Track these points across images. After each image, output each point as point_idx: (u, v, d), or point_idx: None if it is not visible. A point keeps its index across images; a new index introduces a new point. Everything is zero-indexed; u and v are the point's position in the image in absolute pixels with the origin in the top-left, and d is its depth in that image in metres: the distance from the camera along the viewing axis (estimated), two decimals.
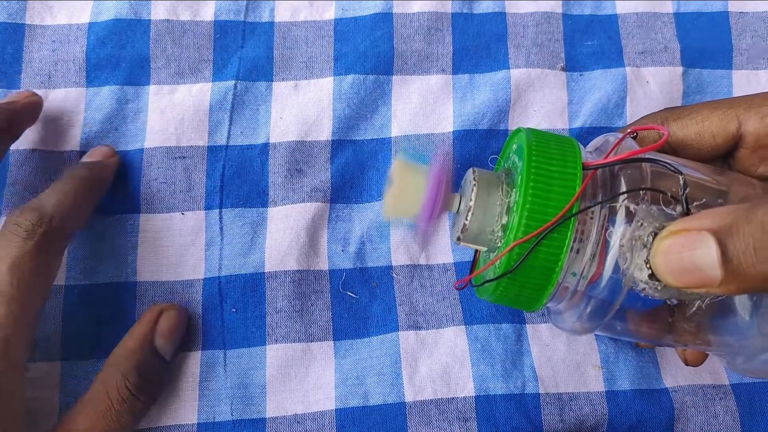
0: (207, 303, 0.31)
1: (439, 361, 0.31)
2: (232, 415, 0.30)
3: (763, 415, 0.31)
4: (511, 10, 0.37)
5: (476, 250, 0.28)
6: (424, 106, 0.35)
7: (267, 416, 0.30)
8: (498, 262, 0.23)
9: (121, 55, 0.35)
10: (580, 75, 0.36)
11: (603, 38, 0.37)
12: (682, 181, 0.20)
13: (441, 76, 0.36)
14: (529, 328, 0.32)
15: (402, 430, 0.30)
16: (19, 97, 0.32)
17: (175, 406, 0.30)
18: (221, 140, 0.34)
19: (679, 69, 0.36)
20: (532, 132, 0.24)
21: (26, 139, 0.34)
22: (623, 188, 0.22)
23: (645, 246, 0.20)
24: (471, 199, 0.23)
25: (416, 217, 0.24)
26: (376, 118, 0.35)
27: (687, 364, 0.29)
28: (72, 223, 0.28)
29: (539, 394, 0.30)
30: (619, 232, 0.21)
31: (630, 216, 0.21)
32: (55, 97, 0.34)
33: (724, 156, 0.27)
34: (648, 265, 0.20)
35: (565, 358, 0.31)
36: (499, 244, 0.23)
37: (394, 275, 0.32)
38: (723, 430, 0.30)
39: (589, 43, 0.37)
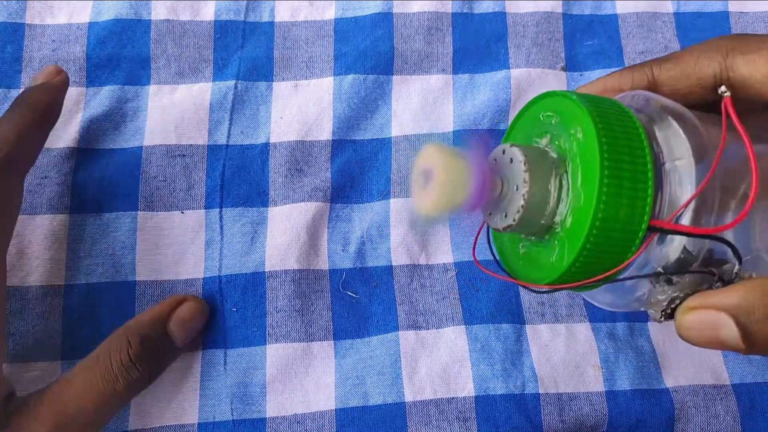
0: (207, 302, 0.31)
1: (439, 361, 0.31)
2: (232, 415, 0.30)
3: (764, 416, 0.31)
4: (511, 9, 0.37)
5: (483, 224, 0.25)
6: (425, 105, 0.35)
7: (267, 416, 0.30)
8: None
9: (122, 54, 0.35)
10: (581, 75, 0.36)
11: (603, 38, 0.37)
12: (737, 269, 0.20)
13: (441, 76, 0.36)
14: (529, 328, 0.32)
15: (402, 430, 0.30)
16: (49, 76, 0.31)
17: (175, 406, 0.30)
18: (221, 139, 0.34)
19: None
20: (598, 114, 0.19)
21: None
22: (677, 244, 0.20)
23: (665, 300, 0.20)
24: (525, 183, 0.20)
25: (461, 208, 0.21)
26: (377, 117, 0.35)
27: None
28: (25, 152, 0.28)
29: (539, 394, 0.30)
30: (658, 296, 0.20)
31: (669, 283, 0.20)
32: None
33: None
34: (662, 313, 0.20)
35: (565, 358, 0.31)
36: (550, 235, 0.21)
37: (395, 275, 0.32)
38: (723, 430, 0.30)
39: (590, 43, 0.37)
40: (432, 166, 0.20)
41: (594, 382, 0.31)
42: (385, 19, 0.36)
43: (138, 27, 0.36)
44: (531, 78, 0.35)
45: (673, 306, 0.20)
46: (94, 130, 0.34)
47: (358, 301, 0.32)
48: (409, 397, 0.30)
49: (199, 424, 0.30)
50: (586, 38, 0.37)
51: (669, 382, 0.31)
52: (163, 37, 0.36)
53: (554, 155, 0.21)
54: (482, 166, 0.20)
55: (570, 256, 0.19)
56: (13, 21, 0.36)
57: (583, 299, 0.32)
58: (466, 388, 0.30)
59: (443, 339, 0.31)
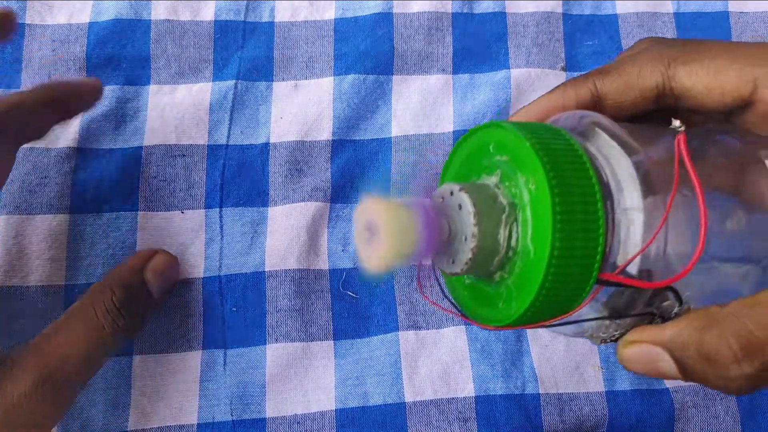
0: (207, 302, 0.31)
1: (439, 361, 0.31)
2: (232, 415, 0.30)
3: (764, 416, 0.31)
4: (511, 9, 0.37)
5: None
6: (425, 105, 0.35)
7: (267, 416, 0.30)
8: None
9: (122, 54, 0.35)
10: (581, 75, 0.36)
11: (603, 38, 0.37)
12: (675, 311, 0.20)
13: (441, 76, 0.36)
14: (529, 328, 0.32)
15: (402, 430, 0.30)
16: (80, 79, 0.31)
17: (175, 406, 0.30)
18: (221, 139, 0.34)
19: None
20: (555, 180, 0.18)
21: None
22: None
23: (607, 336, 0.21)
24: (474, 237, 0.19)
25: (411, 259, 0.20)
26: (377, 118, 0.35)
27: None
28: (20, 120, 0.29)
29: (539, 394, 0.30)
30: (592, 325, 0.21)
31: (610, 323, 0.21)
32: None
33: (728, 115, 0.23)
34: (602, 341, 0.21)
35: (565, 359, 0.31)
36: (499, 277, 0.20)
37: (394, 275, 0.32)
38: (723, 430, 0.30)
39: (590, 43, 0.37)
40: (375, 219, 0.19)
41: (594, 383, 0.31)
42: (385, 19, 0.36)
43: (138, 27, 0.36)
44: (531, 78, 0.35)
45: (612, 339, 0.21)
46: (94, 130, 0.34)
47: (358, 301, 0.32)
48: (409, 398, 0.30)
49: (198, 424, 0.30)
50: (587, 38, 0.37)
51: (669, 382, 0.31)
52: (163, 37, 0.36)
53: (504, 201, 0.20)
54: (428, 213, 0.20)
55: (519, 308, 0.19)
56: None
57: None
58: (466, 388, 0.30)
59: (443, 339, 0.31)
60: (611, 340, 0.21)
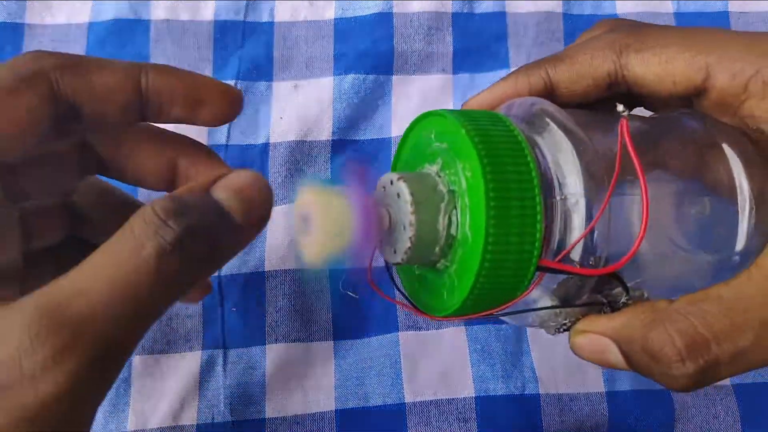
0: (207, 302, 0.31)
1: (439, 361, 0.31)
2: (231, 415, 0.30)
3: (764, 416, 0.31)
4: (511, 9, 0.37)
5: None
6: (425, 105, 0.35)
7: (266, 417, 0.30)
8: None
9: (121, 54, 0.35)
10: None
11: None
12: (624, 299, 0.20)
13: (441, 76, 0.36)
14: (529, 328, 0.32)
15: (402, 430, 0.30)
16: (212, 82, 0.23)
17: (174, 407, 0.30)
18: (221, 139, 0.34)
19: None
20: (479, 141, 0.19)
21: None
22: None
23: (557, 325, 0.21)
24: (412, 226, 0.19)
25: (348, 249, 0.19)
26: (376, 117, 0.35)
27: None
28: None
29: (539, 394, 0.30)
30: (541, 314, 0.21)
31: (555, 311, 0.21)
32: None
33: (683, 101, 0.23)
34: (555, 331, 0.21)
35: (565, 359, 0.31)
36: (442, 266, 0.20)
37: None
38: (724, 430, 0.30)
39: None
40: (310, 210, 0.19)
41: (594, 383, 0.31)
42: (385, 19, 0.36)
43: (137, 27, 0.36)
44: None
45: (564, 327, 0.21)
46: None
47: (358, 301, 0.32)
48: (409, 398, 0.30)
49: (198, 424, 0.30)
50: None
51: None
52: (162, 37, 0.36)
53: (444, 189, 0.20)
54: (364, 202, 0.19)
55: (459, 296, 0.19)
56: (13, 21, 0.36)
57: None
58: (466, 388, 0.30)
59: (443, 340, 0.31)
60: (564, 330, 0.21)
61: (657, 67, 0.22)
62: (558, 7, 0.37)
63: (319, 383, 0.30)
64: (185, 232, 0.17)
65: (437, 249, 0.20)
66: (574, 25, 0.37)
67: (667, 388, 0.20)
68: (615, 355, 0.20)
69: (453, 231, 0.20)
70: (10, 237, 0.21)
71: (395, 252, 0.20)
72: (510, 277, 0.19)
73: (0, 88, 0.19)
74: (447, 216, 0.20)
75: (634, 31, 0.23)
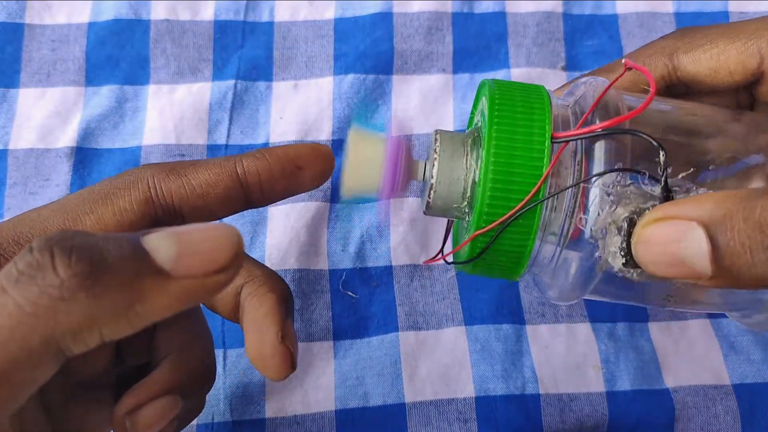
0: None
1: (439, 361, 0.31)
2: (231, 415, 0.30)
3: (764, 416, 0.31)
4: (511, 9, 0.37)
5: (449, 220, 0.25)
6: (425, 105, 0.35)
7: (266, 417, 0.30)
8: (465, 246, 0.21)
9: (121, 54, 0.35)
10: (581, 74, 0.36)
11: (603, 38, 0.37)
12: (662, 159, 0.18)
13: (441, 76, 0.36)
14: (529, 328, 0.32)
15: (402, 431, 0.30)
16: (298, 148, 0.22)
17: None
18: (221, 139, 0.34)
19: None
20: (497, 84, 0.21)
21: (23, 139, 0.34)
22: (599, 162, 0.19)
23: (619, 232, 0.18)
24: (434, 166, 0.21)
25: (378, 190, 0.21)
26: (376, 117, 0.35)
27: None
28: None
29: (539, 394, 0.30)
30: (592, 218, 0.19)
31: (604, 200, 0.19)
32: (53, 96, 0.34)
33: (742, 90, 0.24)
34: (623, 253, 0.18)
35: (565, 359, 0.31)
36: (467, 219, 0.21)
37: (394, 275, 0.32)
38: (724, 430, 0.30)
39: (590, 43, 0.37)
40: (348, 148, 0.21)
41: (594, 383, 0.31)
42: (385, 18, 0.36)
43: (137, 27, 0.36)
44: (531, 78, 0.35)
45: (624, 251, 0.18)
46: (92, 130, 0.34)
47: (357, 302, 0.32)
48: (409, 398, 0.30)
49: (198, 424, 0.30)
50: (587, 38, 0.37)
51: (669, 383, 0.31)
52: (162, 36, 0.36)
53: (469, 138, 0.21)
54: (397, 150, 0.21)
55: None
56: (13, 21, 0.36)
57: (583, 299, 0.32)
58: (466, 388, 0.30)
59: (443, 340, 0.31)
60: (626, 257, 0.18)
61: (709, 63, 0.22)
62: (558, 7, 0.37)
63: (319, 383, 0.30)
64: (73, 275, 0.14)
65: (462, 199, 0.21)
66: (574, 25, 0.37)
67: (755, 285, 0.16)
68: (697, 244, 0.16)
69: (475, 178, 0.21)
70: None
71: (425, 196, 0.22)
72: (524, 153, 0.19)
73: (99, 192, 0.20)
74: (468, 164, 0.21)
75: (681, 34, 0.24)
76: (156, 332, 0.22)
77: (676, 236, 0.16)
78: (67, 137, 0.34)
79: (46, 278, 0.14)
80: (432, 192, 0.21)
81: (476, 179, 0.20)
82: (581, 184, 0.19)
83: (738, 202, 0.16)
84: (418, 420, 0.30)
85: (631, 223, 0.18)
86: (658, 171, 0.18)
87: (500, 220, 0.19)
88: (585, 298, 0.22)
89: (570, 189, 0.19)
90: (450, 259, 0.24)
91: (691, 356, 0.31)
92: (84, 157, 0.33)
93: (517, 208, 0.19)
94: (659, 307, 0.25)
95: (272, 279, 0.22)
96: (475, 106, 0.24)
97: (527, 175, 0.19)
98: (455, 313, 0.32)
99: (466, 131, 0.22)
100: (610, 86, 0.21)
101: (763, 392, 0.31)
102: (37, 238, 0.15)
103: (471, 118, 0.25)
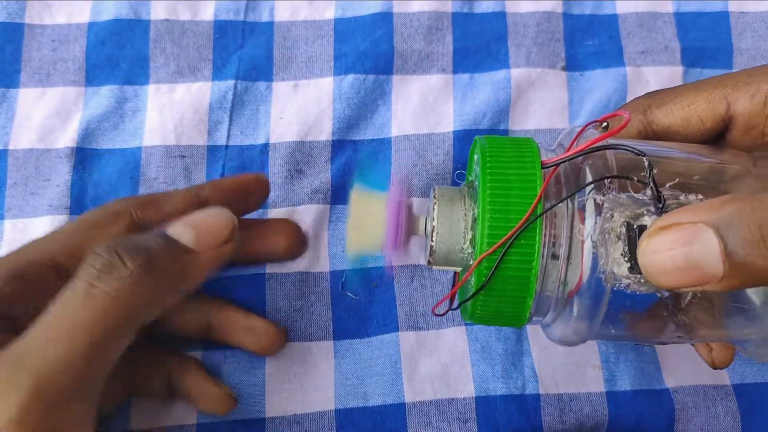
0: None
1: (439, 361, 0.31)
2: (231, 414, 0.30)
3: (764, 416, 0.31)
4: (511, 9, 0.37)
5: (455, 274, 0.25)
6: (425, 105, 0.35)
7: (266, 416, 0.30)
8: (471, 280, 0.21)
9: (121, 54, 0.35)
10: (581, 74, 0.36)
11: (603, 38, 0.37)
12: (646, 163, 0.19)
13: (441, 76, 0.36)
14: (530, 329, 0.32)
15: (402, 430, 0.30)
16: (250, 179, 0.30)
17: (174, 407, 0.30)
18: (221, 140, 0.34)
19: (680, 69, 0.36)
20: (487, 138, 0.23)
21: (23, 139, 0.34)
22: (587, 179, 0.20)
23: (619, 238, 0.19)
24: (434, 218, 0.22)
25: (381, 247, 0.22)
26: (376, 118, 0.35)
27: (714, 367, 0.26)
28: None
29: (539, 394, 0.30)
30: (589, 227, 0.20)
31: (599, 208, 0.19)
32: (53, 96, 0.34)
33: (714, 139, 0.25)
34: (626, 258, 0.19)
35: (565, 359, 0.31)
36: (471, 262, 0.21)
37: (395, 275, 0.32)
38: (724, 430, 0.30)
39: (590, 43, 0.37)
40: (353, 208, 0.23)
41: (594, 383, 0.31)
42: (385, 19, 0.36)
43: (137, 27, 0.36)
44: (531, 78, 0.35)
45: (627, 256, 0.19)
46: (92, 130, 0.34)
47: (358, 302, 0.32)
48: (408, 398, 0.30)
49: (198, 424, 0.30)
50: (587, 38, 0.37)
51: (669, 383, 0.31)
52: (162, 36, 0.36)
53: (465, 187, 0.23)
54: (398, 207, 0.22)
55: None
56: (13, 21, 0.36)
57: None
58: (466, 388, 0.30)
59: (443, 340, 0.31)
60: (631, 261, 0.18)
61: (681, 112, 0.24)
62: (558, 7, 0.37)
63: (319, 383, 0.30)
64: (138, 266, 0.21)
65: (464, 240, 0.22)
66: (574, 25, 0.37)
67: None
68: (708, 244, 0.16)
69: (474, 215, 0.22)
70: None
71: (427, 251, 0.23)
72: (517, 181, 0.20)
73: (92, 221, 0.25)
74: (467, 205, 0.22)
75: (651, 94, 0.26)
76: None
77: (685, 240, 0.16)
78: (67, 137, 0.34)
79: (120, 272, 0.21)
80: (435, 235, 0.22)
81: (476, 215, 0.21)
82: (575, 195, 0.20)
83: (742, 199, 0.16)
84: (418, 420, 0.30)
85: (630, 228, 0.19)
86: (645, 177, 0.19)
87: (504, 239, 0.20)
88: (593, 340, 0.23)
89: (566, 206, 0.21)
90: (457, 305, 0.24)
91: (691, 356, 0.31)
92: (84, 157, 0.33)
93: (520, 224, 0.20)
94: (668, 341, 0.25)
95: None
96: (468, 170, 0.26)
97: (524, 196, 0.20)
98: (455, 314, 0.32)
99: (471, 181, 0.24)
100: (590, 123, 0.22)
101: (763, 392, 0.31)
102: (97, 245, 0.21)
103: (467, 178, 0.26)
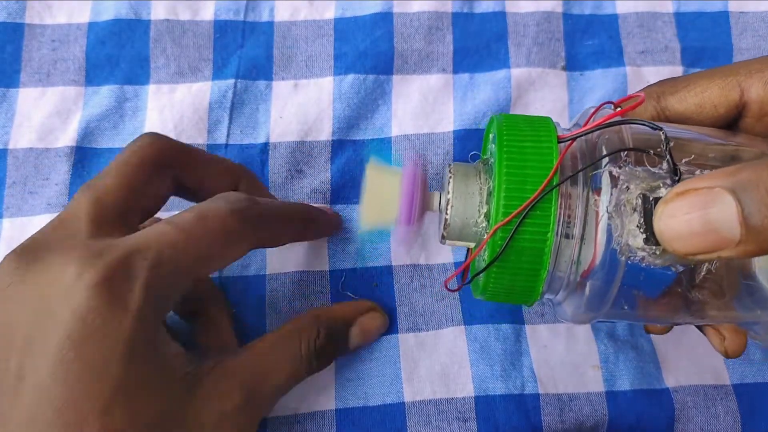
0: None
1: (439, 361, 0.31)
2: None
3: (764, 416, 0.31)
4: (511, 9, 0.37)
5: (468, 250, 0.26)
6: (425, 105, 0.35)
7: (266, 416, 0.30)
8: (484, 252, 0.21)
9: (121, 54, 0.35)
10: (581, 74, 0.36)
11: (603, 38, 0.37)
12: (663, 136, 0.19)
13: (441, 76, 0.36)
14: (528, 328, 0.32)
15: (402, 430, 0.30)
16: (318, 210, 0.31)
17: None
18: (221, 139, 0.34)
19: (680, 69, 0.36)
20: (504, 116, 0.23)
21: (23, 139, 0.34)
22: (603, 154, 0.20)
23: (635, 210, 0.19)
24: (449, 192, 0.22)
25: (395, 222, 0.22)
26: (377, 117, 0.35)
27: (727, 356, 0.26)
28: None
29: (539, 394, 0.30)
30: (605, 199, 0.20)
31: (615, 181, 0.19)
32: (53, 95, 0.34)
33: (728, 126, 0.25)
34: (642, 230, 0.18)
35: (565, 359, 0.31)
36: (485, 236, 0.21)
37: (394, 274, 0.32)
38: (724, 430, 0.30)
39: (590, 43, 0.37)
40: (365, 183, 0.23)
41: (594, 383, 0.31)
42: (385, 18, 0.36)
43: (137, 27, 0.36)
44: (531, 77, 0.35)
45: (643, 227, 0.19)
46: (92, 130, 0.34)
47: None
48: (408, 398, 0.30)
49: None
50: (587, 38, 0.37)
51: (669, 382, 0.31)
52: (162, 36, 0.36)
53: (480, 163, 0.23)
54: (413, 182, 0.22)
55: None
56: (13, 21, 0.36)
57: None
58: (465, 388, 0.30)
59: (443, 339, 0.31)
60: (646, 233, 0.18)
61: (695, 98, 0.24)
62: (558, 7, 0.37)
63: (319, 383, 0.30)
64: (326, 342, 0.28)
65: (479, 213, 0.22)
66: (574, 25, 0.37)
67: None
68: (725, 207, 0.16)
69: (490, 188, 0.22)
70: None
71: (441, 226, 0.23)
72: (534, 155, 0.20)
73: (132, 169, 0.25)
74: (482, 179, 0.22)
75: (664, 81, 0.26)
76: None
77: (702, 204, 0.16)
78: (66, 137, 0.34)
79: (318, 342, 0.28)
80: (449, 208, 0.22)
81: (491, 189, 0.21)
82: (591, 166, 0.20)
83: (759, 164, 0.16)
84: (417, 419, 0.30)
85: (646, 200, 0.19)
86: (662, 151, 0.19)
87: (519, 209, 0.20)
88: (604, 320, 0.23)
89: (581, 180, 0.21)
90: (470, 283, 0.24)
91: (691, 356, 0.31)
92: (83, 156, 0.33)
93: (536, 194, 0.20)
94: (680, 322, 0.25)
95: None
96: (483, 149, 0.26)
97: (540, 168, 0.20)
98: (455, 313, 0.32)
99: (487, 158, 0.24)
100: (605, 104, 0.22)
101: (763, 392, 0.31)
102: (222, 195, 0.25)
103: (481, 157, 0.26)
